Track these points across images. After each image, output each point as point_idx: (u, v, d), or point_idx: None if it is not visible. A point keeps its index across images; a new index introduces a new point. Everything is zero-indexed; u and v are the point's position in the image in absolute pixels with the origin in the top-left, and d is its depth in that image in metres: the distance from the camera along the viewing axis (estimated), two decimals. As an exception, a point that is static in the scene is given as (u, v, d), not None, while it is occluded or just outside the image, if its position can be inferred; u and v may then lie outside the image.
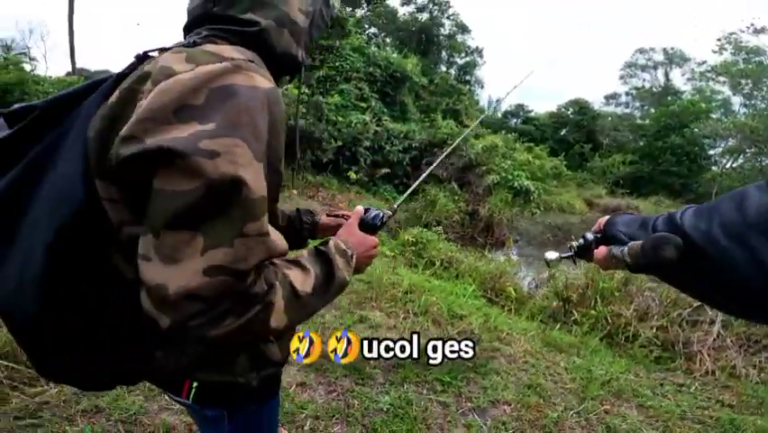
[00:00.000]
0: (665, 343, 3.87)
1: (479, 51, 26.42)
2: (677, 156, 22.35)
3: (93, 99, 0.63)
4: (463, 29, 26.23)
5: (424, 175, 1.33)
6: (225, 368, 0.79)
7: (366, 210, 0.93)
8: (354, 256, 0.81)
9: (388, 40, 25.03)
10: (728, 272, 0.54)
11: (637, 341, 3.80)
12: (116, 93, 0.61)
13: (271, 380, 0.90)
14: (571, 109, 28.48)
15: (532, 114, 29.69)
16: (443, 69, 25.16)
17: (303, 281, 0.66)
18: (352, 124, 9.76)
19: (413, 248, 5.63)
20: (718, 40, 22.94)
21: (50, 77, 9.54)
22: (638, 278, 4.50)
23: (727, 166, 23.98)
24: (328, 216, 1.12)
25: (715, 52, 23.45)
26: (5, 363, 2.18)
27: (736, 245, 0.52)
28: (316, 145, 9.09)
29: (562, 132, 28.11)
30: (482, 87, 27.25)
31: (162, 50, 0.66)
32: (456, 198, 10.12)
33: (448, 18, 26.06)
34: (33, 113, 0.66)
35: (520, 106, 30.14)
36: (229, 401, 0.86)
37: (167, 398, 2.05)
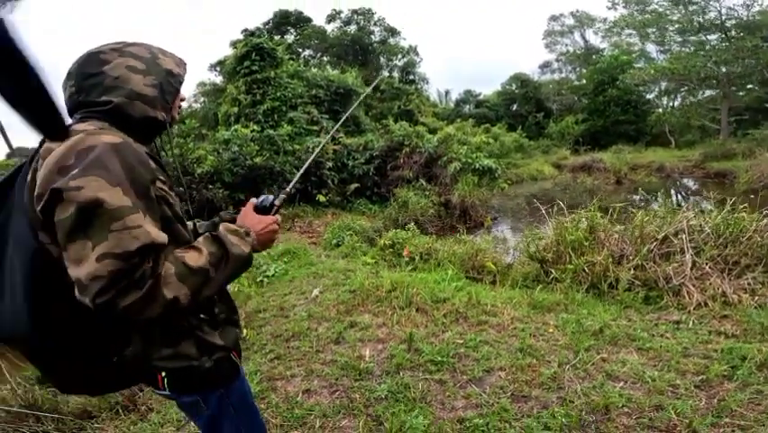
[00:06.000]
0: (648, 282, 3.89)
1: (414, 50, 27.07)
2: (620, 106, 23.62)
3: (20, 178, 0.94)
4: (392, 32, 26.91)
5: (309, 161, 1.52)
6: (179, 356, 1.03)
7: (260, 198, 1.17)
8: (251, 233, 1.05)
9: (325, 58, 25.42)
10: None
11: (620, 285, 3.84)
12: (31, 170, 0.91)
13: (224, 363, 1.13)
14: (514, 84, 29.49)
15: (481, 97, 30.51)
16: (386, 74, 25.66)
17: (196, 258, 0.92)
18: (310, 149, 9.89)
19: (391, 250, 5.77)
20: (607, -4, 24.43)
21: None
22: (602, 223, 4.74)
23: (668, 106, 25.47)
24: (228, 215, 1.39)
25: (609, 9, 25.07)
26: (50, 415, 2.50)
27: None
28: (281, 178, 9.19)
29: (514, 107, 29.02)
30: (427, 82, 27.87)
31: (44, 142, 0.93)
32: (427, 192, 10.34)
33: (375, 25, 26.68)
34: None
35: (469, 92, 30.94)
36: (197, 386, 1.09)
37: (194, 425, 2.20)
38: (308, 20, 27.23)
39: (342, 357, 2.80)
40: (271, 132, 9.71)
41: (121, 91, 0.98)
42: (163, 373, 1.05)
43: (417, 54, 27.21)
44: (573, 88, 28.80)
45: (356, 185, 10.50)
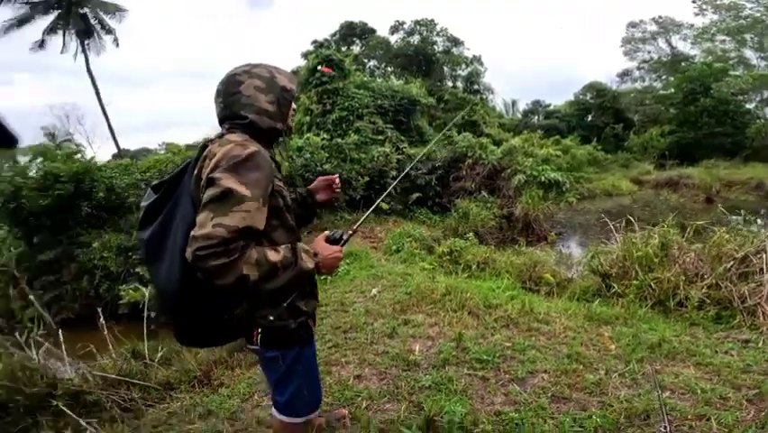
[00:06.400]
0: (722, 301, 3.69)
1: (477, 59, 26.70)
2: (715, 117, 21.37)
3: (189, 170, 1.30)
4: (455, 42, 26.74)
5: (379, 200, 1.85)
6: (272, 316, 1.34)
7: (332, 231, 1.46)
8: (318, 255, 1.33)
9: (389, 68, 26.01)
10: None
11: (690, 303, 3.66)
12: (198, 166, 1.27)
13: (304, 326, 1.41)
14: (588, 94, 27.97)
15: (551, 107, 29.36)
16: (450, 84, 25.64)
17: (274, 256, 1.20)
18: (375, 158, 10.26)
19: (448, 257, 5.86)
20: (693, 2, 22.27)
21: (107, 161, 10.77)
22: (676, 241, 4.47)
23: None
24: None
25: (697, 15, 22.82)
26: (140, 383, 2.91)
27: None
28: (347, 185, 9.66)
29: (588, 118, 27.53)
30: (492, 92, 27.35)
31: (210, 141, 1.31)
32: (489, 204, 10.26)
33: (438, 35, 26.69)
34: (165, 182, 1.36)
35: (537, 103, 29.88)
36: (281, 343, 1.38)
37: (256, 398, 2.56)
38: (373, 31, 27.97)
39: (393, 349, 2.99)
40: (340, 140, 10.25)
41: (253, 108, 1.33)
42: (259, 330, 1.35)
43: (482, 64, 26.88)
44: (659, 98, 26.56)
45: (418, 194, 10.67)
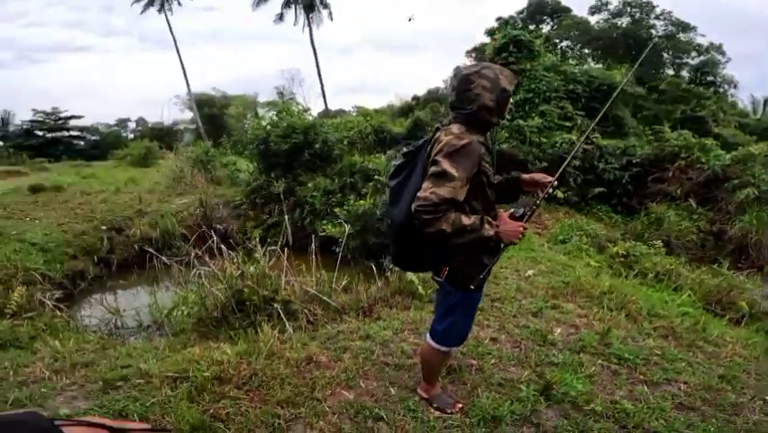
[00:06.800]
0: None
1: (716, 48, 21.61)
2: None
3: (425, 147, 1.80)
4: (683, 27, 22.33)
5: (564, 164, 1.98)
6: (461, 262, 1.77)
7: (515, 209, 1.76)
8: (498, 227, 1.68)
9: (586, 50, 23.36)
10: None
11: None
12: (430, 145, 1.75)
13: (480, 277, 1.80)
14: None
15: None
16: (670, 73, 21.51)
17: (466, 220, 1.63)
18: (557, 144, 9.69)
19: (622, 259, 5.38)
20: None
21: (320, 118, 13.03)
22: None
23: None
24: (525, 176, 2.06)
25: None
26: (326, 299, 3.65)
27: None
28: (521, 167, 9.48)
29: None
30: (735, 86, 21.84)
31: (440, 126, 1.77)
32: (695, 216, 8.68)
33: (658, 18, 22.77)
34: (410, 152, 1.87)
35: (803, 105, 22.51)
36: (459, 284, 1.82)
37: (405, 334, 3.07)
38: (566, 10, 25.68)
39: (534, 325, 3.17)
40: (521, 122, 9.98)
41: (477, 103, 1.73)
42: (447, 268, 1.82)
43: (723, 53, 21.69)
44: None
45: (601, 189, 9.72)
